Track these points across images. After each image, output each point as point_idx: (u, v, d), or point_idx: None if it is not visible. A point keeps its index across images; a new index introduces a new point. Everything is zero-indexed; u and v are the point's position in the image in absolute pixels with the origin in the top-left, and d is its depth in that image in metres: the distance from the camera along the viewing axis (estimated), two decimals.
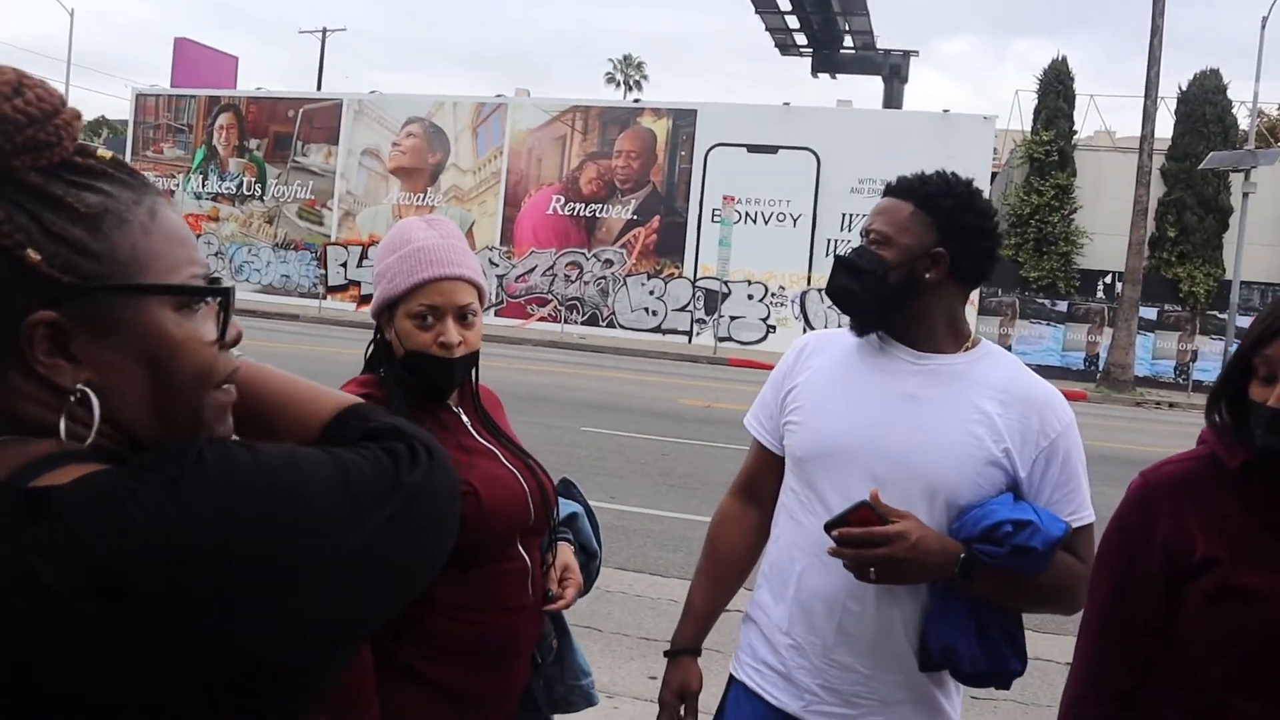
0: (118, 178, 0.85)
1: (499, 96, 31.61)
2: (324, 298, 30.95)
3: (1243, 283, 23.19)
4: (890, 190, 1.95)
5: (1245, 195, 22.72)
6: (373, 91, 33.00)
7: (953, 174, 1.94)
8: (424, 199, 31.25)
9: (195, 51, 37.66)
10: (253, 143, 32.91)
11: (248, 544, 0.76)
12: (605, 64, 76.80)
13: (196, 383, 0.87)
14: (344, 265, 31.77)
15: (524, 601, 1.91)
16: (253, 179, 32.88)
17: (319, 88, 41.14)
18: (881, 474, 1.81)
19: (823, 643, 1.88)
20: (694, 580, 2.18)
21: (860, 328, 1.95)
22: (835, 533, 1.72)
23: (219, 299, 0.90)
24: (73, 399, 0.81)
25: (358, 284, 31.41)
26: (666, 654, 2.07)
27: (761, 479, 2.12)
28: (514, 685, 1.95)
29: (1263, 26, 24.44)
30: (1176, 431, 14.89)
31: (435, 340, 1.85)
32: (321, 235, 32.19)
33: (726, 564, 2.15)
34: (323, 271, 31.80)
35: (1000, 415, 1.84)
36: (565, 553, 2.06)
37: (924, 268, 1.87)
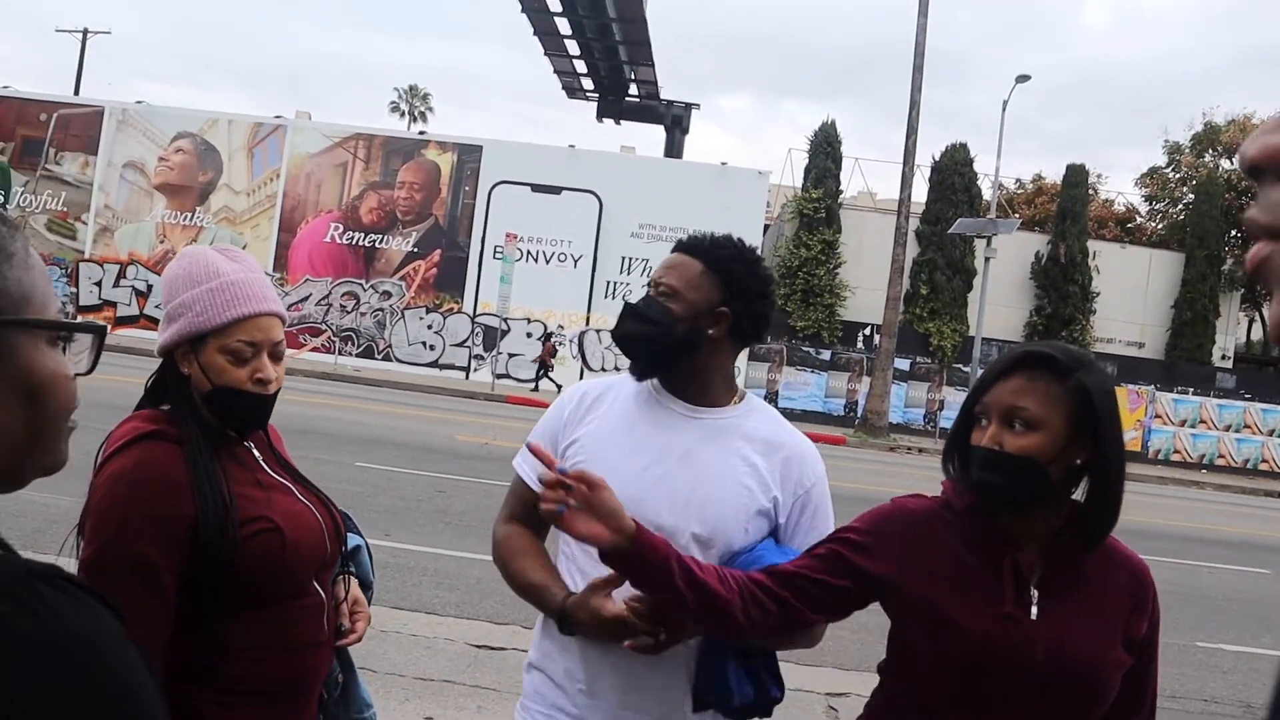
0: None
1: (278, 118, 30.57)
2: (74, 317, 28.73)
3: (984, 338, 25.25)
4: (682, 247, 2.03)
5: (987, 260, 24.83)
6: (139, 101, 31.17)
7: (739, 239, 2.05)
8: (192, 218, 29.73)
9: None
10: None
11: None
12: (390, 93, 75.71)
13: (63, 415, 0.89)
14: (98, 284, 29.69)
15: (321, 637, 1.89)
16: None
17: (77, 92, 38.45)
18: (663, 523, 1.88)
19: (615, 686, 1.93)
20: (517, 570, 2.03)
21: (640, 373, 2.03)
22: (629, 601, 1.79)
23: (94, 334, 0.94)
24: None
25: (113, 304, 29.42)
26: (562, 628, 1.91)
27: (531, 514, 2.07)
28: None
29: (1003, 109, 26.86)
30: (924, 475, 15.96)
31: (251, 376, 1.82)
32: (74, 250, 30.00)
33: (530, 549, 2.06)
34: (74, 290, 29.60)
35: (766, 467, 1.99)
36: (354, 587, 2.06)
37: (707, 324, 1.98)
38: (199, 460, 1.74)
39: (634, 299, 2.05)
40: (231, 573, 1.72)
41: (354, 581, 2.07)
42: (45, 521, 6.54)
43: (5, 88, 31.58)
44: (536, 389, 26.36)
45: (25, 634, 0.72)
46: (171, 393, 1.84)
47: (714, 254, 1.99)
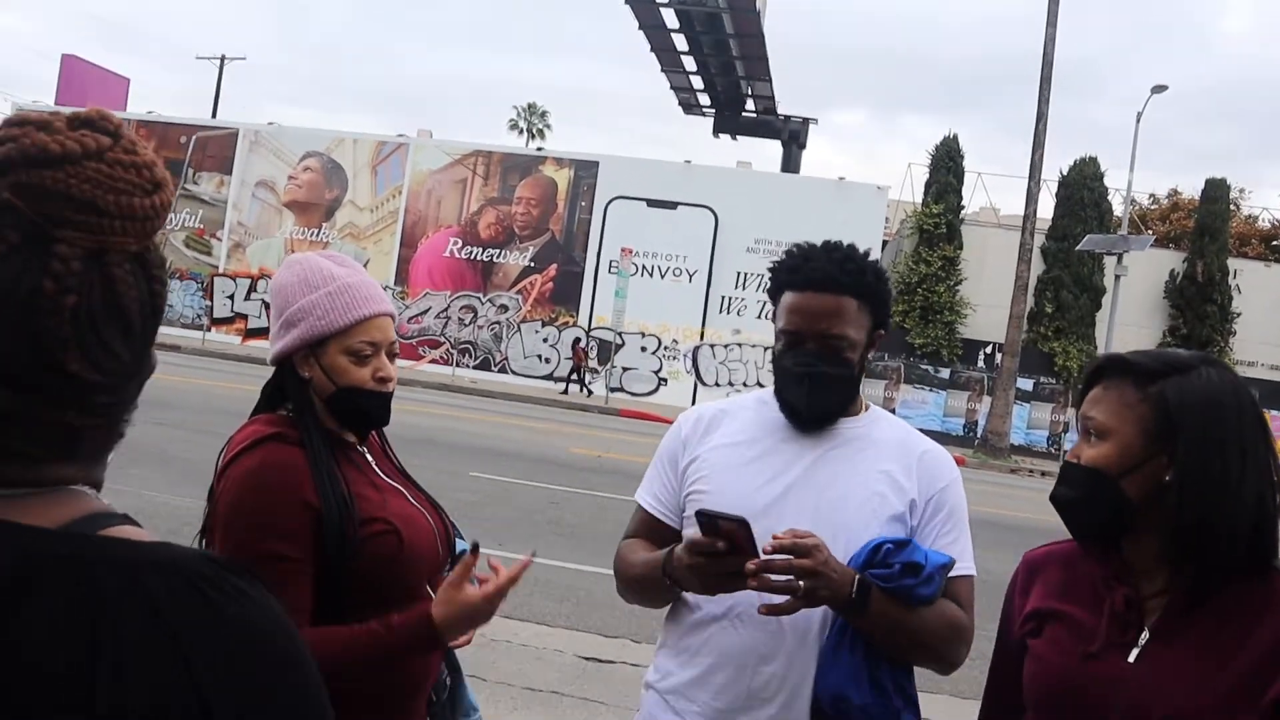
0: None
1: (400, 136, 31.39)
2: (208, 329, 30.02)
3: None
4: (823, 285, 1.89)
5: (1117, 277, 23.89)
6: (271, 123, 32.42)
7: (849, 245, 1.96)
8: (319, 234, 30.72)
9: (84, 70, 36.56)
10: None
11: None
12: (509, 110, 77.29)
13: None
14: (230, 298, 30.91)
15: None
16: None
17: (214, 115, 40.23)
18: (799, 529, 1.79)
19: (730, 706, 1.85)
20: (631, 562, 1.97)
21: (818, 423, 1.95)
22: (770, 545, 1.65)
23: None
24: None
25: (244, 317, 30.56)
26: (667, 575, 1.81)
27: (652, 537, 2.04)
28: None
29: (1137, 121, 25.86)
30: (1045, 499, 15.39)
31: (373, 375, 1.86)
32: (209, 265, 31.31)
33: (646, 547, 1.99)
34: (208, 303, 30.88)
35: (901, 470, 1.91)
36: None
37: (867, 352, 1.95)
38: (320, 461, 1.77)
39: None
40: (351, 572, 1.73)
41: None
42: (177, 523, 6.74)
43: (149, 113, 33.21)
44: (566, 391, 26.58)
45: (230, 617, 0.77)
46: (292, 397, 1.86)
47: (860, 281, 1.89)
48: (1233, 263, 28.22)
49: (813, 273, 1.88)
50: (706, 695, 1.87)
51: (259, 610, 0.79)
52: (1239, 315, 27.71)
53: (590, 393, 27.09)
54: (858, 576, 1.71)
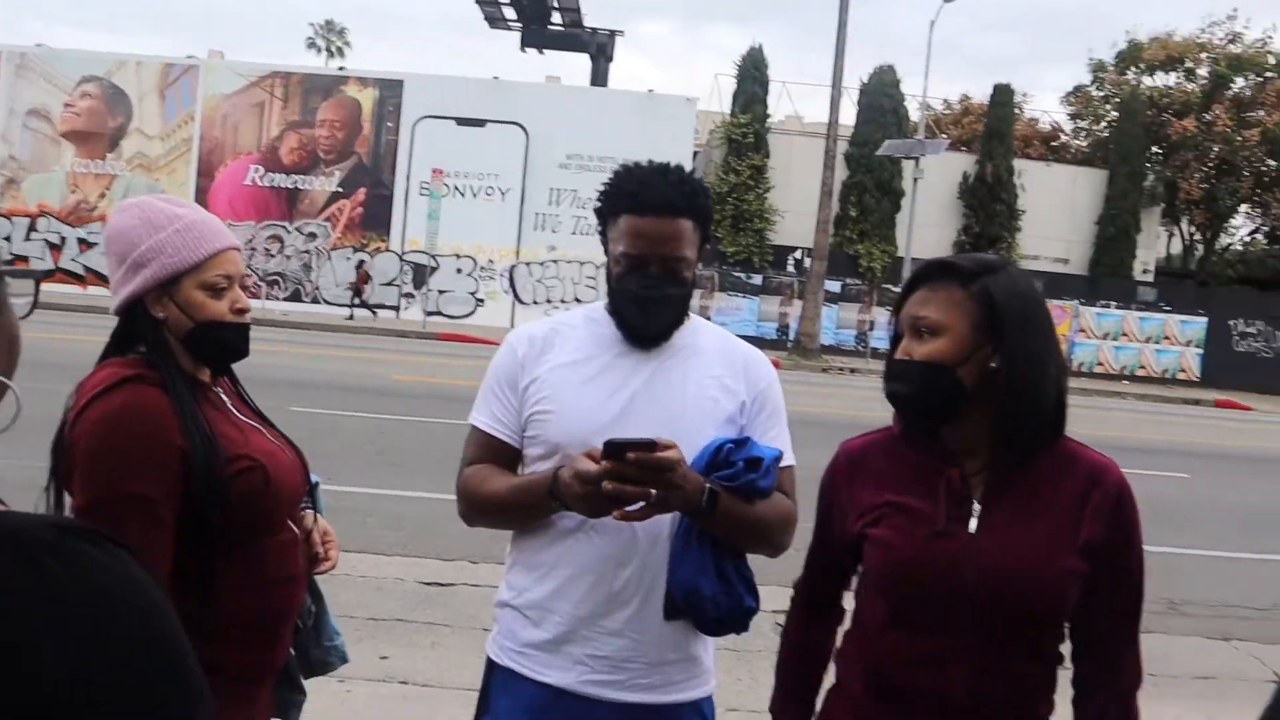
0: None
1: (189, 58, 29.53)
2: None
3: (913, 259, 25.52)
4: (664, 210, 1.93)
5: (915, 180, 25.03)
6: (39, 45, 29.85)
7: (679, 166, 2.01)
8: (104, 166, 28.73)
9: None
10: None
11: None
12: (305, 28, 73.50)
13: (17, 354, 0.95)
14: (8, 238, 28.55)
15: (297, 571, 1.93)
16: None
17: None
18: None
19: (591, 613, 1.94)
20: (493, 489, 1.99)
21: (655, 340, 2.02)
22: (632, 455, 1.72)
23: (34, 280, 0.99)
24: None
25: (24, 259, 28.40)
26: (551, 496, 1.86)
27: (497, 460, 2.08)
28: (283, 655, 1.95)
29: (930, 30, 26.88)
30: (858, 396, 16.23)
31: (231, 308, 1.87)
32: None
33: (501, 472, 2.03)
34: None
35: (729, 373, 2.04)
36: (321, 519, 2.10)
37: (696, 266, 2.04)
38: (183, 400, 1.77)
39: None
40: (220, 510, 1.74)
41: (318, 515, 2.10)
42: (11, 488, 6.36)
43: None
44: (351, 317, 26.24)
45: (71, 586, 0.72)
46: (147, 339, 1.83)
47: (695, 205, 1.96)
48: (1018, 164, 29.97)
49: (652, 198, 1.93)
50: (568, 605, 1.95)
51: (105, 573, 0.75)
52: (1024, 213, 29.56)
53: (375, 314, 26.63)
54: (707, 484, 1.82)
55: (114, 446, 1.69)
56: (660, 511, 1.80)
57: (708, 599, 1.88)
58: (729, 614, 1.91)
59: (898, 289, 1.82)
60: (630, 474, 1.73)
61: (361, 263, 27.81)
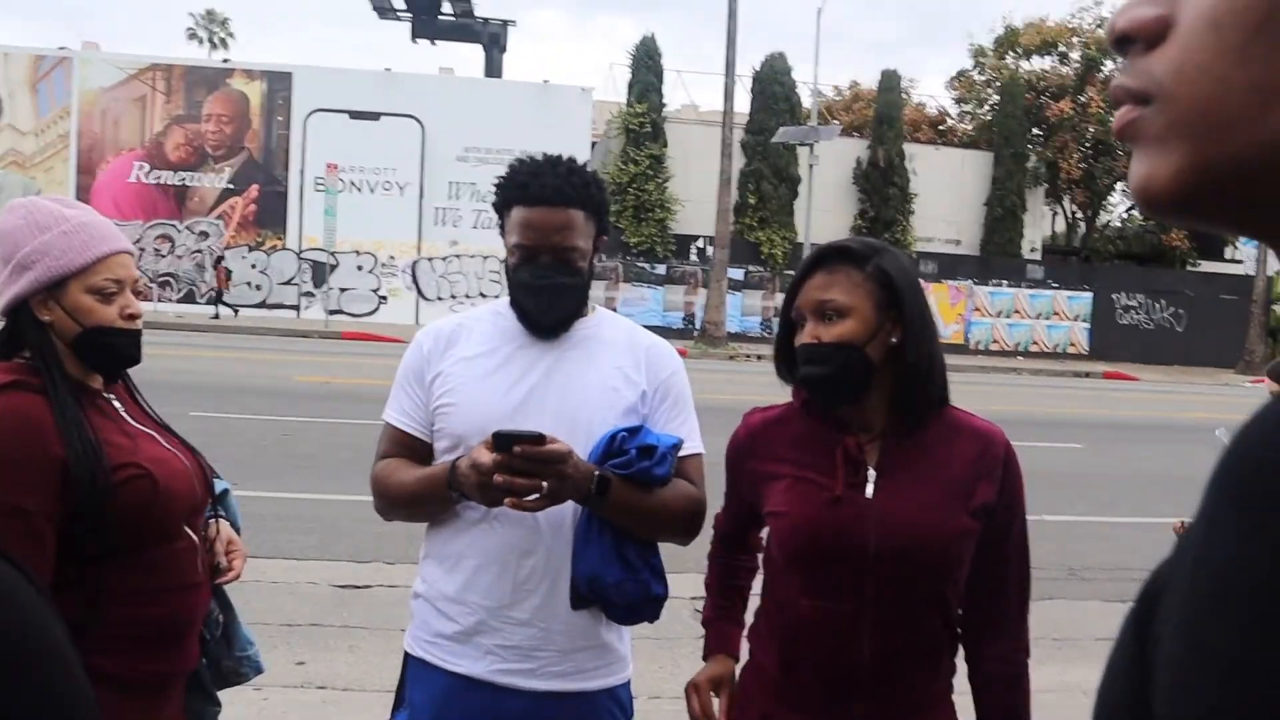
0: None
1: (62, 49, 28.35)
2: None
3: (813, 244, 25.92)
4: (552, 200, 1.96)
5: (811, 167, 25.42)
6: None
7: (570, 159, 2.05)
8: None
9: None
10: None
11: None
12: (185, 18, 70.83)
13: None
14: None
15: (196, 579, 1.91)
16: None
17: None
18: (546, 427, 1.90)
19: (498, 603, 1.96)
20: (400, 481, 2.02)
21: (554, 330, 2.05)
22: (519, 449, 1.76)
23: None
24: None
25: None
26: (450, 486, 1.90)
27: (410, 459, 2.11)
28: (186, 664, 1.94)
29: (818, 17, 27.27)
30: (766, 381, 16.26)
31: (121, 313, 1.84)
32: None
33: (408, 465, 2.06)
34: None
35: (630, 364, 2.07)
36: (225, 527, 2.08)
37: (593, 258, 2.07)
38: (65, 407, 1.73)
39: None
40: (104, 519, 1.72)
41: (224, 523, 2.09)
42: None
43: None
44: (217, 316, 25.69)
45: None
46: (31, 343, 1.80)
47: (586, 195, 1.99)
48: (908, 148, 30.65)
49: (542, 189, 1.96)
50: (475, 596, 1.98)
51: None
52: (916, 196, 30.27)
53: (236, 312, 26.11)
54: (596, 472, 1.87)
55: None
56: (553, 503, 1.85)
57: (611, 586, 1.92)
58: (636, 602, 1.95)
59: None
60: (519, 466, 1.77)
61: (220, 259, 27.09)
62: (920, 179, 30.31)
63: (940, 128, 36.96)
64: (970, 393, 17.30)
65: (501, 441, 1.77)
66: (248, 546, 2.15)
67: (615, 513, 1.91)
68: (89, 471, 1.70)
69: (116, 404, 1.91)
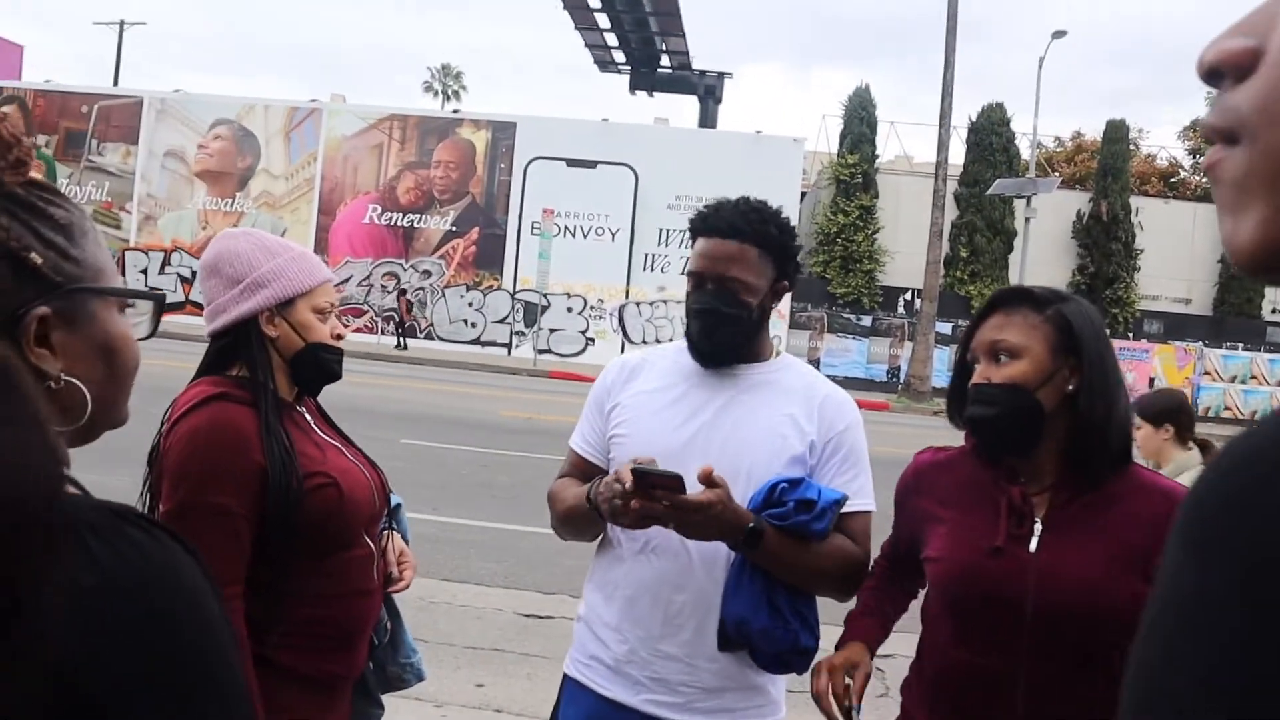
0: (64, 195, 0.97)
1: (313, 101, 30.78)
2: None
3: None
4: (733, 233, 2.04)
5: (1027, 220, 24.56)
6: (177, 90, 31.52)
7: (759, 200, 2.11)
8: (233, 204, 30.11)
9: None
10: (41, 139, 30.80)
11: None
12: (423, 72, 75.44)
13: (132, 373, 1.01)
14: (144, 272, 30.13)
15: (371, 586, 2.04)
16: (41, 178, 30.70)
17: (116, 83, 38.96)
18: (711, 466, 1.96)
19: (649, 634, 2.02)
20: (562, 499, 2.15)
21: (715, 359, 2.10)
22: (659, 493, 1.82)
23: (154, 302, 1.08)
24: (54, 386, 0.91)
25: (160, 290, 29.79)
26: (592, 506, 2.01)
27: (581, 481, 2.21)
28: (357, 667, 2.06)
29: (1040, 67, 26.43)
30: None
31: (331, 333, 2.05)
32: (119, 240, 30.45)
33: (576, 484, 2.17)
34: (121, 278, 30.01)
35: (803, 413, 2.07)
36: (398, 539, 2.23)
37: (770, 301, 2.10)
38: (269, 418, 1.90)
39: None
40: (294, 524, 1.86)
41: (398, 535, 2.23)
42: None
43: (47, 82, 32.04)
44: (404, 346, 26.72)
45: (115, 571, 0.78)
46: (254, 355, 1.97)
47: (762, 233, 2.04)
48: (1134, 201, 29.13)
49: (719, 221, 2.05)
50: (629, 625, 2.04)
51: (146, 564, 0.79)
52: (1142, 252, 28.66)
53: (405, 346, 27.18)
54: (749, 522, 1.88)
55: (199, 460, 1.81)
56: (693, 537, 1.88)
57: (757, 633, 1.92)
58: (783, 651, 1.94)
59: None
60: (656, 509, 1.83)
61: (402, 292, 28.46)
62: (1147, 233, 28.70)
63: (1172, 180, 34.98)
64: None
65: (641, 480, 1.81)
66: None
67: (768, 562, 1.92)
68: (284, 477, 1.84)
69: (308, 417, 2.07)
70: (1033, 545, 1.71)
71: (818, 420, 2.07)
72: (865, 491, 2.08)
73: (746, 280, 2.04)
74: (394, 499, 2.23)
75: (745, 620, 1.92)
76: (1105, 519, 1.71)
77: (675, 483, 1.81)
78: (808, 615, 1.98)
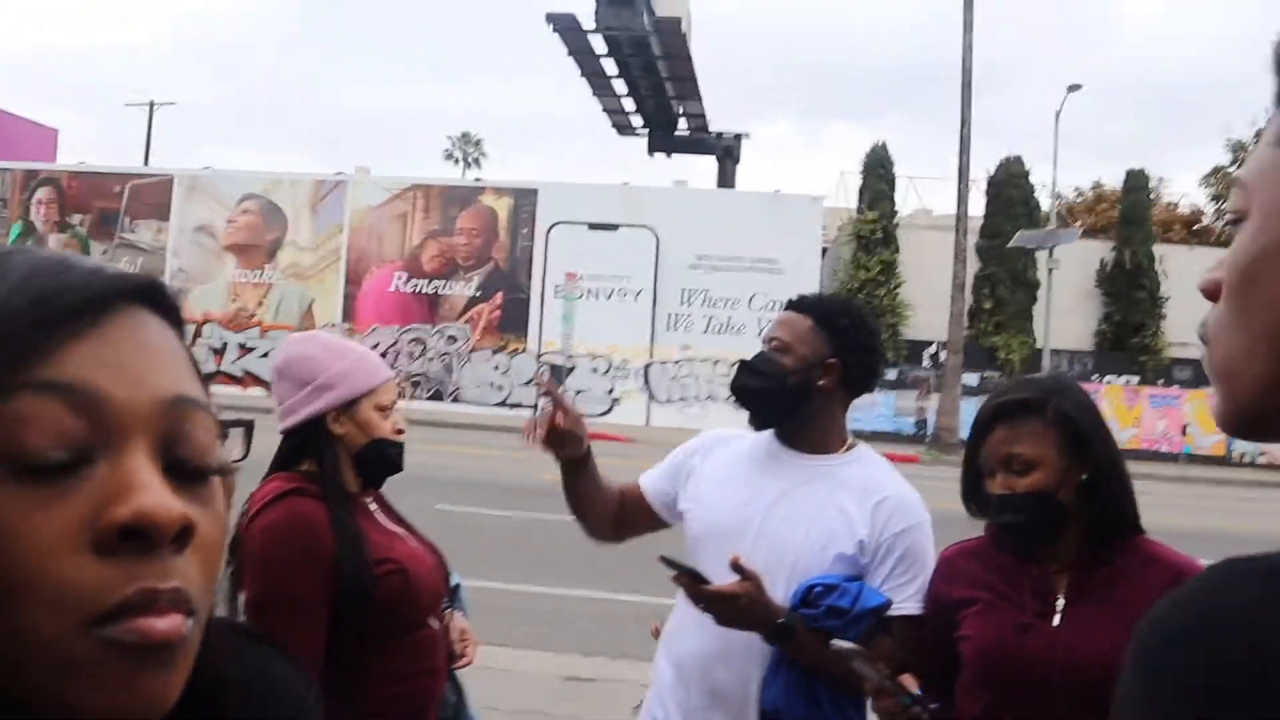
0: None
1: (338, 174, 31.33)
2: None
3: (1053, 350, 24.96)
4: (792, 305, 2.19)
5: (1050, 270, 24.59)
6: (206, 168, 32.19)
7: (848, 296, 2.22)
8: (262, 275, 30.55)
9: (7, 122, 35.99)
10: (75, 218, 31.50)
11: None
12: (443, 140, 76.75)
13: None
14: None
15: (438, 664, 2.13)
16: None
17: (146, 162, 39.83)
18: (755, 555, 1.99)
19: (698, 705, 2.07)
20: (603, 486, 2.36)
21: (758, 424, 2.19)
22: (682, 580, 1.93)
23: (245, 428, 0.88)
24: None
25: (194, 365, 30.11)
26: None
27: (631, 494, 2.35)
28: None
29: (1056, 119, 26.65)
30: None
31: (393, 428, 2.15)
32: None
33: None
34: None
35: (857, 512, 2.07)
36: (459, 618, 2.33)
37: (818, 375, 2.11)
38: (341, 512, 2.00)
39: (740, 348, 2.22)
40: (367, 608, 1.94)
41: (459, 614, 2.33)
42: None
43: (80, 163, 32.80)
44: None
45: (246, 682, 0.79)
46: (324, 452, 2.08)
47: (821, 309, 2.13)
48: (1158, 249, 29.07)
49: (796, 298, 2.18)
50: (683, 691, 2.09)
51: (270, 669, 0.82)
52: (1168, 299, 28.57)
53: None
54: (780, 620, 1.92)
55: (277, 553, 1.92)
56: (723, 624, 1.94)
57: (799, 713, 1.94)
58: None
59: None
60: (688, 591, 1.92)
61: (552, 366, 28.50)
62: (1172, 281, 28.59)
63: (1195, 227, 34.94)
64: (1235, 509, 15.98)
65: (668, 565, 1.92)
66: (480, 633, 2.38)
67: (802, 657, 1.94)
68: (355, 566, 1.94)
69: (374, 507, 2.18)
70: (1056, 620, 1.81)
71: (871, 520, 2.05)
72: (918, 597, 2.04)
73: (789, 345, 2.10)
74: (454, 578, 2.33)
75: (780, 710, 1.95)
76: (1121, 591, 1.80)
77: (696, 578, 1.90)
78: (846, 707, 1.99)
